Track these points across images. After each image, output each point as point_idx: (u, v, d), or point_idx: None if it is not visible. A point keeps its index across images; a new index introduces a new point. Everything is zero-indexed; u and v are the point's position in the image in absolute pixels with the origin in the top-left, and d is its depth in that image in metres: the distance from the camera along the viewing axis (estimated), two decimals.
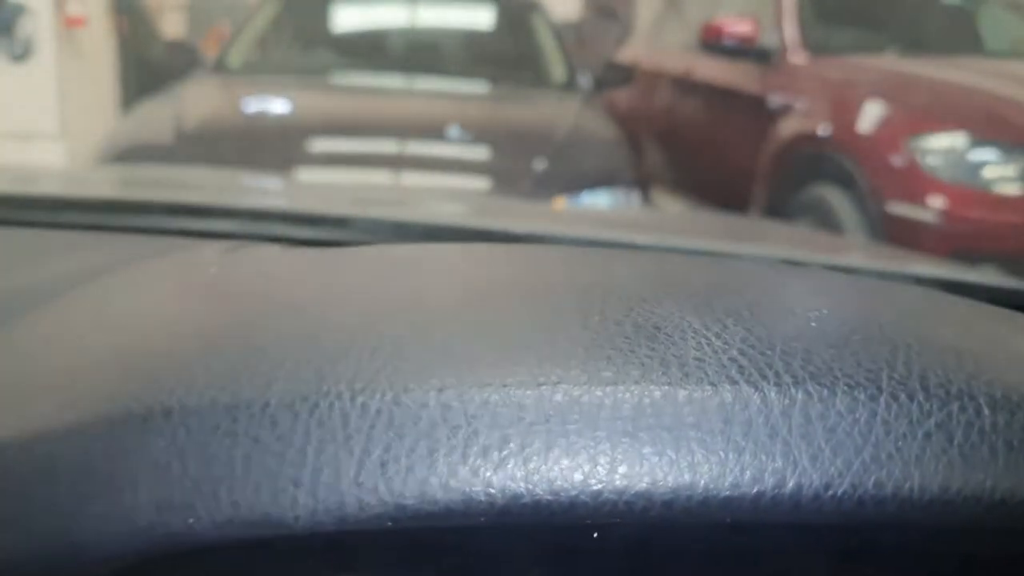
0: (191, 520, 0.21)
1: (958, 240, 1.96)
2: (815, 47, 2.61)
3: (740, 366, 0.23)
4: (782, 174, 2.46)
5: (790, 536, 0.24)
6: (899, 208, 2.03)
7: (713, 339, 0.25)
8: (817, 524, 0.22)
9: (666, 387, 0.22)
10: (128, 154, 1.95)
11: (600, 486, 0.21)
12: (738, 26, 2.73)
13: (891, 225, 2.03)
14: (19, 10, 4.07)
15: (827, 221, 2.19)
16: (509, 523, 0.21)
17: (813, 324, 0.28)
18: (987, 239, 1.97)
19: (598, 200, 1.91)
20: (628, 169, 2.08)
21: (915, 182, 2.01)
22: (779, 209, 2.42)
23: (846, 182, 2.16)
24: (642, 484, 0.21)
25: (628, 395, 0.22)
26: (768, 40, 2.71)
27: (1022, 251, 1.93)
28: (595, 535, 0.22)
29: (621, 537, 0.23)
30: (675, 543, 0.24)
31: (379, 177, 1.91)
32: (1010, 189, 1.97)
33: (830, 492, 0.21)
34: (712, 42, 2.79)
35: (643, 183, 2.14)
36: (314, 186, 1.27)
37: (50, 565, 0.22)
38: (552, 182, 1.89)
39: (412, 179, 1.92)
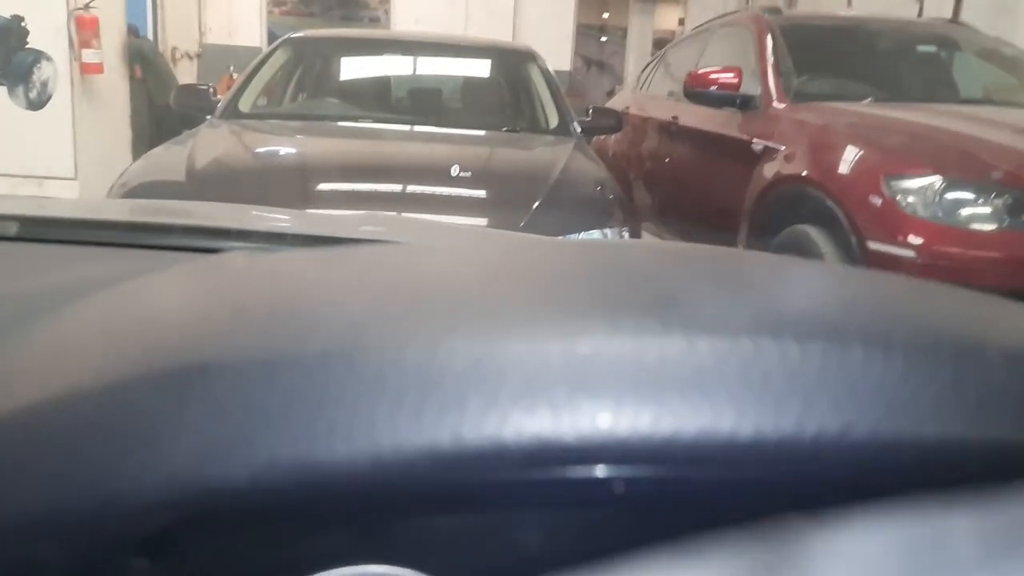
0: (228, 468, 0.21)
1: (936, 275, 2.00)
2: (795, 95, 2.68)
3: (757, 321, 0.23)
4: (766, 213, 2.50)
5: (805, 488, 0.23)
6: (878, 245, 2.05)
7: (729, 301, 0.26)
8: (835, 476, 0.22)
9: (687, 338, 0.22)
10: (139, 191, 1.98)
11: (626, 431, 0.21)
12: (722, 75, 2.82)
13: (870, 261, 2.04)
14: (37, 57, 4.21)
15: (809, 258, 2.24)
16: (535, 478, 0.21)
17: (822, 292, 0.29)
18: (964, 274, 2.00)
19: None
20: (619, 211, 2.11)
21: (893, 220, 2.03)
22: (763, 247, 2.44)
23: (827, 221, 2.19)
24: (667, 429, 0.21)
25: (651, 345, 0.22)
26: (750, 88, 2.79)
27: (997, 284, 1.99)
28: (617, 491, 0.22)
29: (637, 496, 0.23)
30: (690, 501, 0.24)
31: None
32: (984, 226, 1.99)
33: (850, 437, 0.21)
34: (697, 90, 2.87)
35: (633, 224, 2.17)
36: (320, 216, 1.29)
37: (88, 518, 0.22)
38: (546, 224, 1.91)
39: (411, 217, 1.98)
